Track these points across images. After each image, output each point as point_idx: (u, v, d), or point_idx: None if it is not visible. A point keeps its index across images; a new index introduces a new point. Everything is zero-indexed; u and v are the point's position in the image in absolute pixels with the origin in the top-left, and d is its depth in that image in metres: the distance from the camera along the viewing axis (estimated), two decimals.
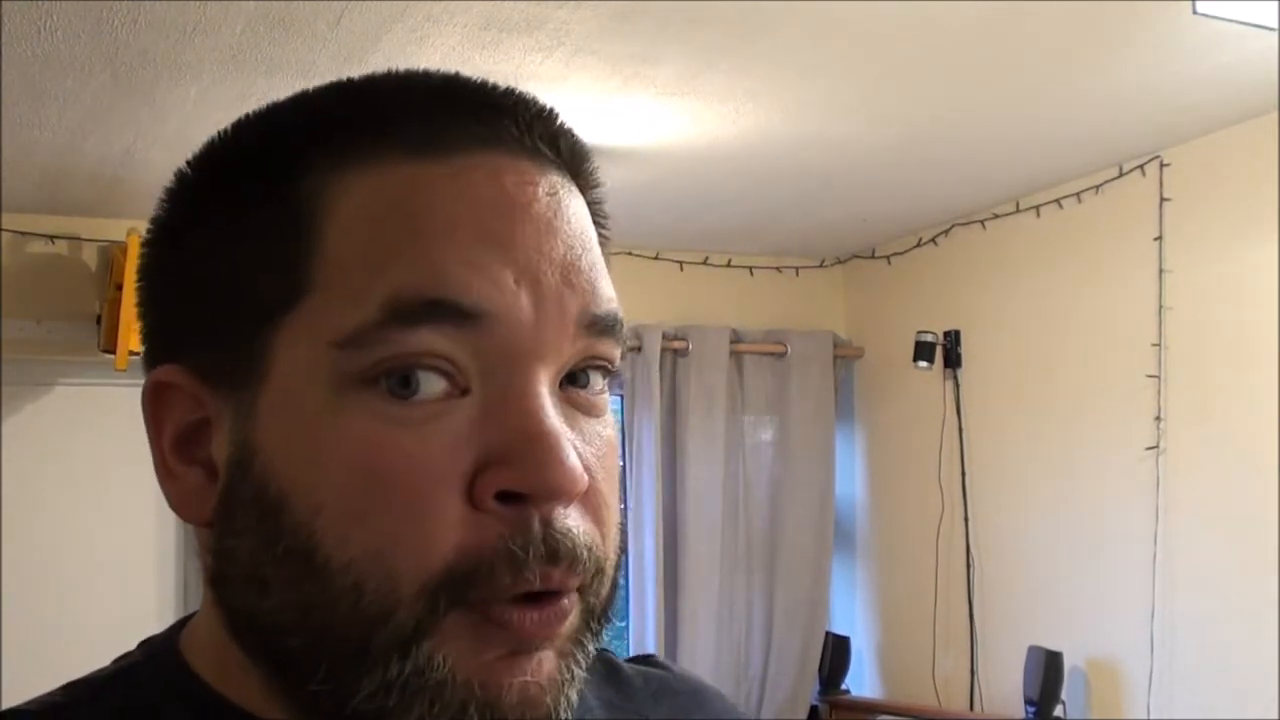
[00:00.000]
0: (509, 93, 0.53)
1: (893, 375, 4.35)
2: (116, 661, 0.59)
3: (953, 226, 4.07)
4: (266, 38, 2.45)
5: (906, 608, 4.30)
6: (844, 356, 4.53)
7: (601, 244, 0.54)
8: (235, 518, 0.50)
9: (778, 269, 4.50)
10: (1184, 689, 3.23)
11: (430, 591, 0.46)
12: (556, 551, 0.47)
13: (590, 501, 0.49)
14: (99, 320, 3.68)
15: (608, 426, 0.52)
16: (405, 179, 0.49)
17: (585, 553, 0.48)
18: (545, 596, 0.48)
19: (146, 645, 0.60)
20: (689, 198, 3.57)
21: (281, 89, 2.26)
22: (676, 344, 4.20)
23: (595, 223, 0.54)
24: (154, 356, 0.54)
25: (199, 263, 0.52)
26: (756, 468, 4.43)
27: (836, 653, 4.34)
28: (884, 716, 4.23)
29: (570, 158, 0.53)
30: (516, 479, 0.47)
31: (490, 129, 0.51)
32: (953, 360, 4.05)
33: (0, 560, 3.71)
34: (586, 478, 0.48)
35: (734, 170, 3.38)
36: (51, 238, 3.72)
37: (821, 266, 4.60)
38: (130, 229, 3.62)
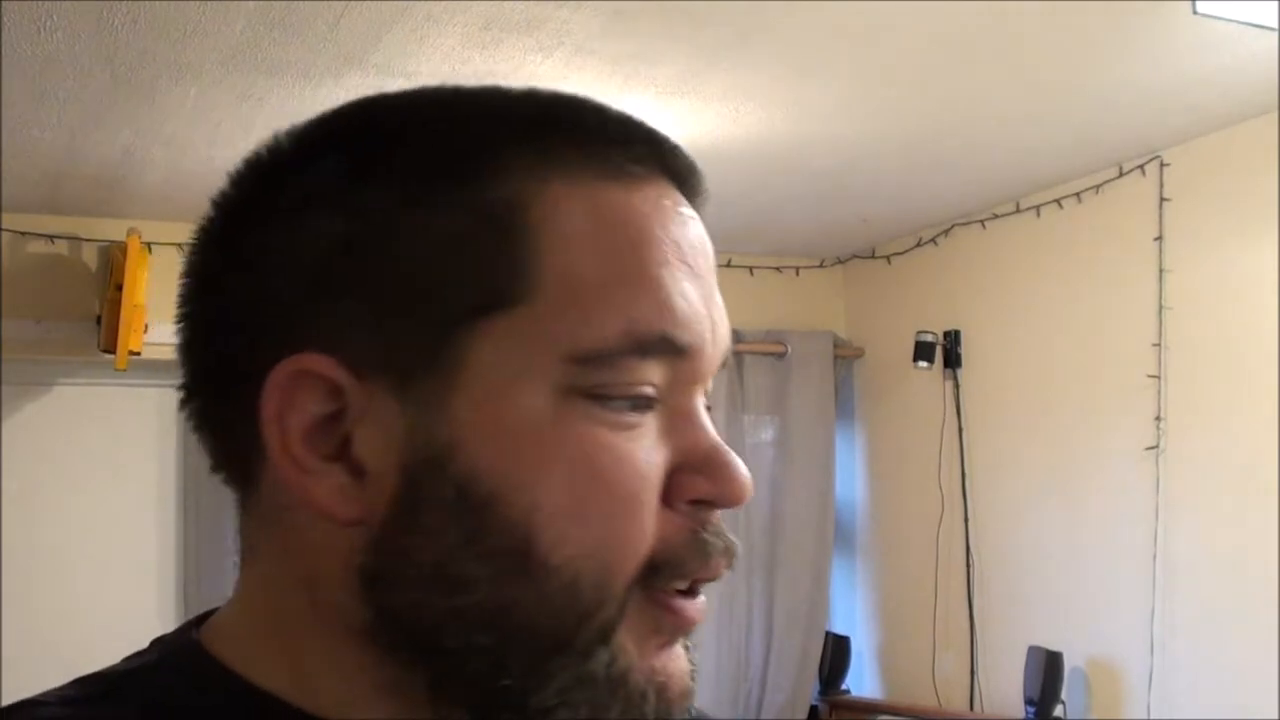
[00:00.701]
0: (660, 131, 0.56)
1: (893, 375, 4.35)
2: (130, 660, 0.57)
3: (953, 226, 4.07)
4: (266, 38, 2.45)
5: (906, 608, 4.30)
6: (844, 356, 4.53)
7: None
8: (422, 516, 0.49)
9: (778, 269, 4.50)
10: (1184, 689, 3.23)
11: (634, 583, 0.50)
12: (728, 545, 0.53)
13: None
14: (99, 320, 3.69)
15: None
16: (619, 204, 0.51)
17: (736, 549, 0.54)
18: (694, 590, 0.53)
19: (161, 644, 0.58)
20: None
21: (281, 89, 2.27)
22: None
23: None
24: (269, 341, 0.50)
25: (362, 252, 0.50)
26: (756, 468, 4.43)
27: (836, 653, 4.34)
28: (884, 716, 4.23)
29: (701, 190, 0.57)
30: (710, 489, 0.52)
31: (665, 159, 0.54)
32: (953, 360, 4.05)
33: (0, 560, 3.71)
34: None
35: (734, 170, 3.38)
36: (51, 238, 3.72)
37: (821, 266, 4.60)
38: (130, 229, 3.62)
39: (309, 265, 0.50)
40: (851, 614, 4.57)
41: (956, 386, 4.06)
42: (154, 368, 3.86)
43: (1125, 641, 3.40)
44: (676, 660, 0.53)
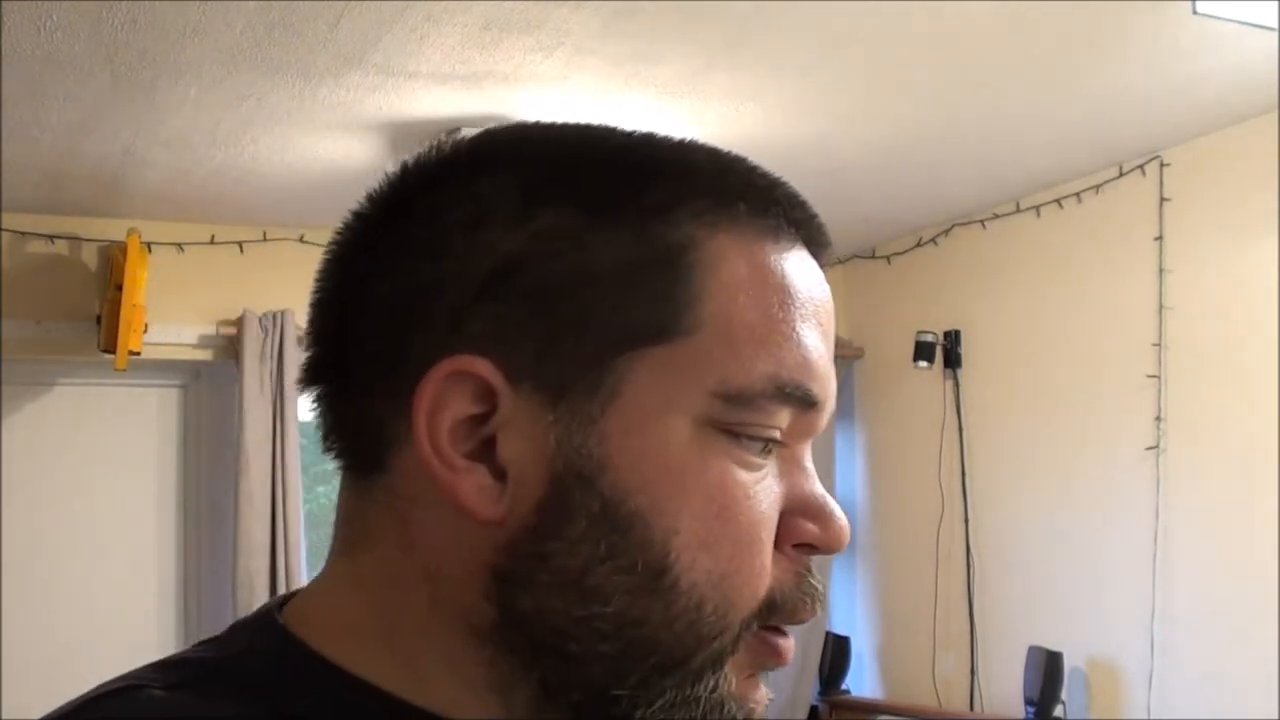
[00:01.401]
0: (799, 194, 0.60)
1: (893, 375, 4.35)
2: (224, 646, 0.57)
3: (953, 226, 4.07)
4: (266, 38, 2.45)
5: (906, 608, 4.30)
6: (844, 356, 4.53)
7: None
8: (566, 525, 0.51)
9: None
10: (1184, 689, 3.23)
11: (752, 617, 0.53)
12: (819, 591, 0.57)
13: None
14: (99, 320, 3.68)
15: None
16: (775, 261, 0.55)
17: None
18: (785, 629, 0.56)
19: (248, 632, 0.58)
20: None
21: (281, 89, 2.26)
22: None
23: None
24: (440, 343, 0.52)
25: (537, 268, 0.52)
26: None
27: (836, 653, 4.34)
28: (884, 716, 4.23)
29: (827, 252, 0.61)
30: (819, 537, 0.55)
31: (802, 222, 0.59)
32: (953, 360, 4.05)
33: (0, 560, 3.71)
34: None
35: None
36: (51, 238, 3.72)
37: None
38: (130, 229, 3.62)
39: (480, 274, 0.53)
40: (851, 614, 4.57)
41: (956, 386, 4.06)
42: (154, 368, 3.86)
43: (1125, 641, 3.40)
44: (759, 690, 0.56)
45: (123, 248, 3.59)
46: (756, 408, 0.53)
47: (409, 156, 0.57)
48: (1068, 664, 3.49)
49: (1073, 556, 3.61)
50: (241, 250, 3.80)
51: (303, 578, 3.77)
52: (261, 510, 3.76)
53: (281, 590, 3.73)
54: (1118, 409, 3.45)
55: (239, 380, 3.80)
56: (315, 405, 0.57)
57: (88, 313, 3.73)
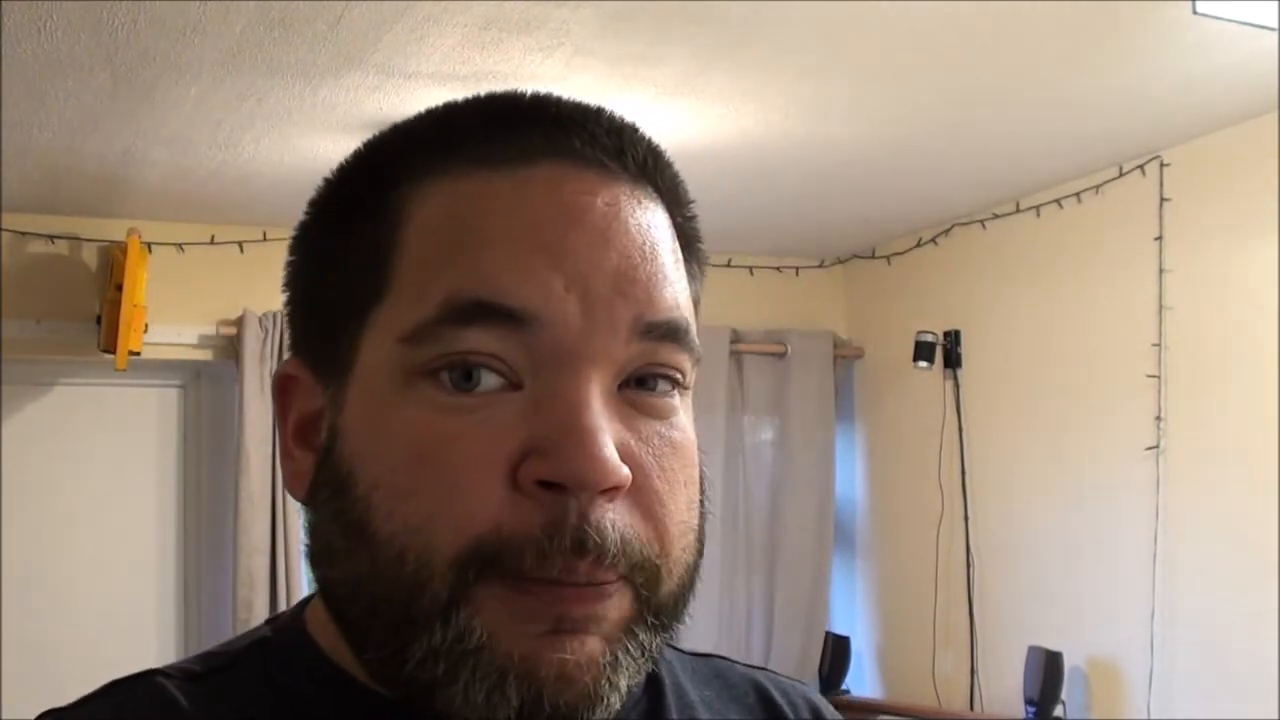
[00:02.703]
0: (582, 108, 0.56)
1: (893, 375, 4.35)
2: (245, 637, 0.63)
3: (953, 226, 4.07)
4: (266, 38, 2.45)
5: (906, 608, 4.30)
6: (844, 356, 4.53)
7: (694, 259, 0.59)
8: (319, 496, 0.55)
9: (778, 269, 4.50)
10: (1184, 689, 3.23)
11: (461, 563, 0.50)
12: (583, 544, 0.49)
13: (641, 499, 0.52)
14: (99, 320, 3.69)
15: (674, 429, 0.55)
16: (471, 189, 0.53)
17: (617, 546, 0.50)
18: (593, 580, 0.51)
19: (274, 622, 0.64)
20: None
21: (281, 89, 2.26)
22: None
23: (682, 237, 0.58)
24: (291, 351, 0.60)
25: (316, 266, 0.58)
26: (756, 468, 4.43)
27: (836, 653, 4.34)
28: (884, 716, 4.23)
29: (646, 171, 0.56)
30: (551, 469, 0.50)
31: (553, 142, 0.54)
32: (953, 360, 4.05)
33: (0, 559, 3.71)
34: (623, 472, 0.50)
35: (734, 170, 3.38)
36: (51, 238, 3.72)
37: (821, 266, 4.60)
38: (130, 229, 3.62)
39: (295, 285, 0.60)
40: (851, 614, 4.57)
41: (956, 386, 4.06)
42: (154, 368, 3.86)
43: (1125, 641, 3.40)
44: (561, 648, 0.50)
45: (123, 248, 3.59)
46: (436, 338, 0.51)
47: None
48: (1068, 664, 3.49)
49: (1073, 556, 3.61)
50: (241, 250, 3.80)
51: (303, 578, 3.77)
52: (261, 510, 3.76)
53: (281, 590, 3.74)
54: (1118, 409, 3.45)
55: (239, 380, 3.80)
56: None
57: (88, 313, 3.73)
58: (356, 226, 0.56)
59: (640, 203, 0.55)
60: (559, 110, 0.56)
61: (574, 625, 0.51)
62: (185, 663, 0.60)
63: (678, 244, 0.57)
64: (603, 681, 0.51)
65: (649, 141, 0.57)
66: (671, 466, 0.54)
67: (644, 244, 0.54)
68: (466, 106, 0.57)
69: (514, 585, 0.50)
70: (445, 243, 0.53)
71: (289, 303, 0.60)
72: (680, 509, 0.54)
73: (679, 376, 0.55)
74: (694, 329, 0.55)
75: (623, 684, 0.52)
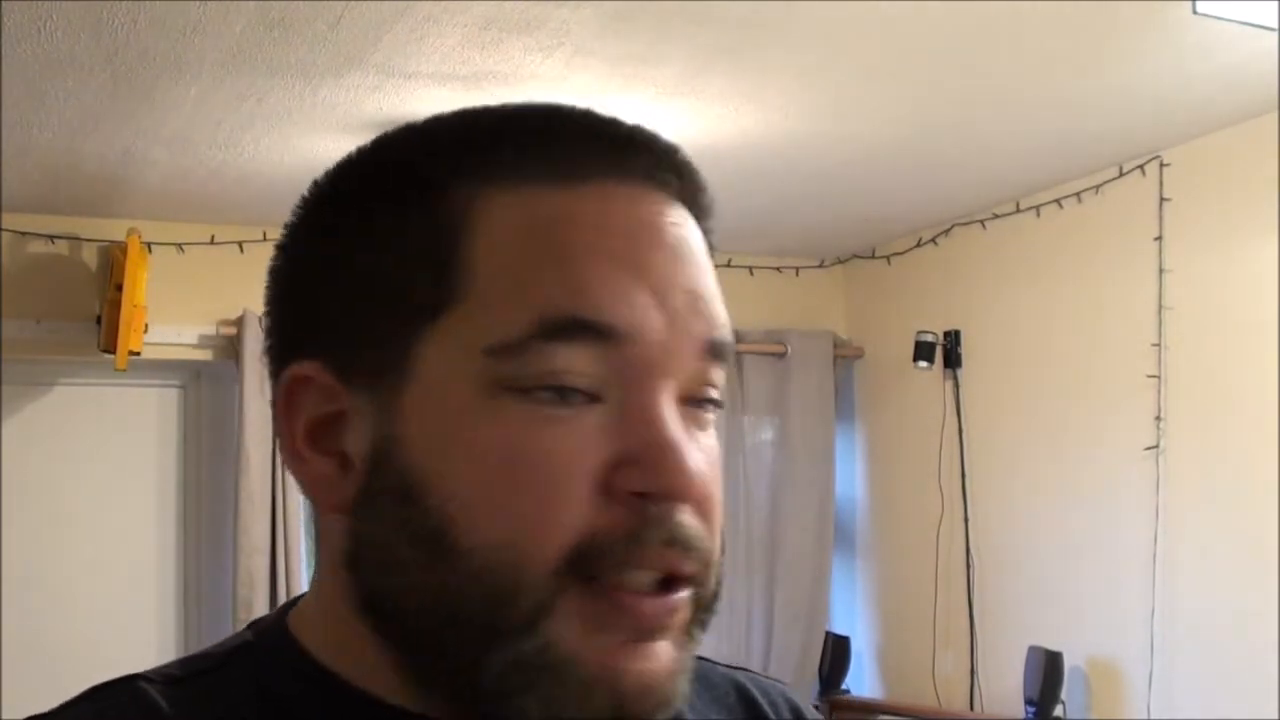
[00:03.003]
0: (639, 128, 0.57)
1: (893, 375, 4.35)
2: (227, 641, 0.61)
3: (953, 226, 4.07)
4: (266, 38, 2.45)
5: (906, 608, 4.30)
6: (844, 356, 4.53)
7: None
8: (376, 505, 0.54)
9: (778, 269, 4.50)
10: (1184, 689, 3.23)
11: (556, 572, 0.51)
12: (674, 537, 0.52)
13: (702, 505, 0.54)
14: (99, 320, 3.68)
15: (713, 440, 0.57)
16: (550, 203, 0.54)
17: (699, 543, 0.53)
18: (662, 587, 0.52)
19: (255, 626, 0.62)
20: None
21: (281, 89, 2.27)
22: None
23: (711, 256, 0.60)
24: (287, 352, 0.57)
25: (342, 266, 0.56)
26: (756, 468, 4.43)
27: (836, 653, 4.34)
28: (884, 716, 4.23)
29: (691, 191, 0.58)
30: (648, 480, 0.51)
31: (625, 161, 0.55)
32: (953, 360, 4.05)
33: (0, 560, 3.71)
34: (709, 484, 0.54)
35: (734, 170, 3.38)
36: (51, 238, 3.72)
37: (821, 266, 4.60)
38: (130, 229, 3.62)
39: (304, 284, 0.58)
40: (851, 614, 4.57)
41: (956, 386, 4.06)
42: (154, 368, 3.86)
43: (1125, 641, 3.40)
44: (641, 659, 0.52)
45: (123, 248, 3.59)
46: (531, 353, 0.51)
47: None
48: (1068, 664, 3.49)
49: (1073, 556, 3.61)
50: (241, 250, 3.80)
51: (302, 577, 3.77)
52: (261, 510, 3.76)
53: (281, 590, 3.74)
54: (1118, 409, 3.45)
55: (239, 380, 3.80)
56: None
57: (88, 313, 3.73)
58: (401, 228, 0.55)
59: (694, 222, 0.58)
60: (620, 128, 0.57)
61: (651, 634, 0.52)
62: (167, 667, 0.59)
63: None
64: (675, 686, 0.54)
65: (692, 162, 0.59)
66: (717, 476, 0.56)
67: (704, 263, 0.57)
68: (520, 114, 0.57)
69: (599, 593, 0.51)
70: (531, 258, 0.53)
71: (290, 303, 0.58)
72: (722, 515, 0.56)
73: (719, 392, 0.57)
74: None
75: (686, 686, 0.54)
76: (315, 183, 0.60)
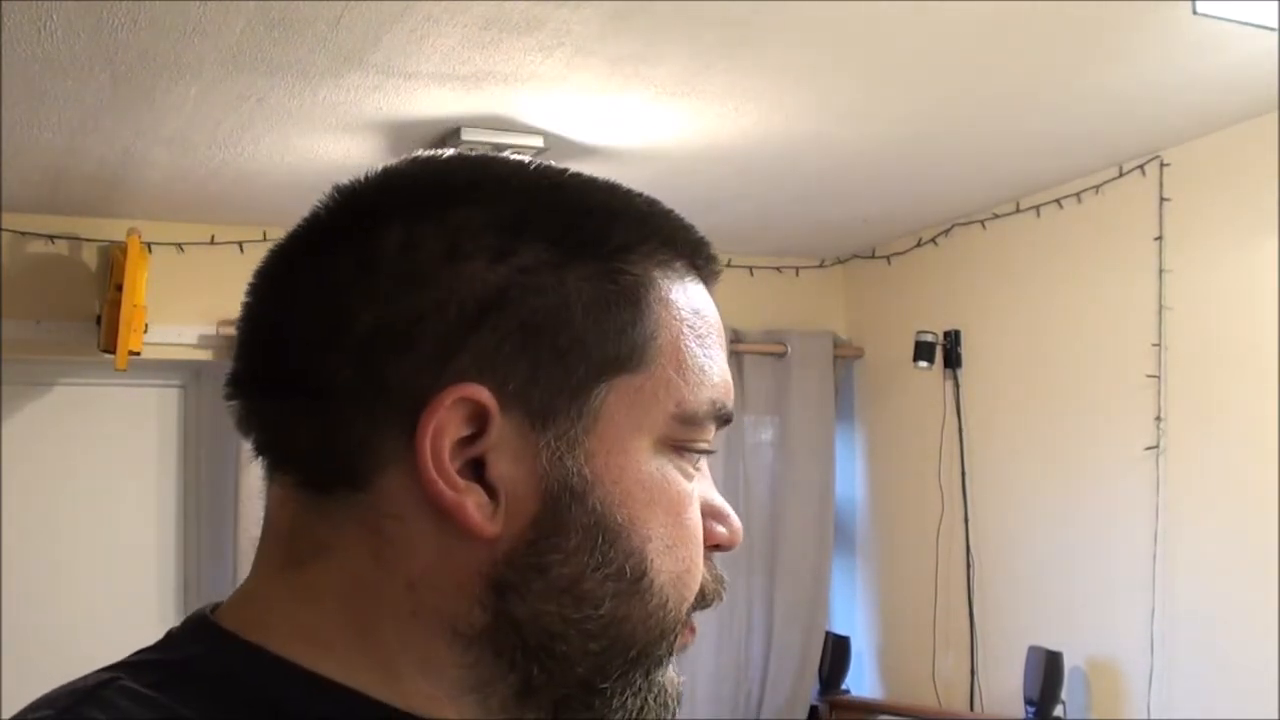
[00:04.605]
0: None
1: (893, 375, 4.35)
2: (153, 653, 0.59)
3: (953, 226, 4.07)
4: (266, 38, 2.45)
5: (906, 608, 4.30)
6: (844, 356, 4.53)
7: None
8: (564, 538, 0.57)
9: (778, 269, 4.50)
10: (1184, 689, 3.23)
11: (691, 609, 0.62)
12: (725, 591, 0.65)
13: None
14: (99, 320, 3.68)
15: None
16: (698, 296, 0.63)
17: None
18: None
19: (201, 639, 0.59)
20: (689, 198, 3.55)
21: (281, 89, 2.27)
22: None
23: None
24: (434, 370, 0.56)
25: (519, 301, 0.57)
26: (756, 468, 4.43)
27: (836, 653, 4.34)
28: (884, 716, 4.23)
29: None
30: (729, 538, 0.64)
31: (709, 262, 0.65)
32: (953, 360, 4.05)
33: (0, 560, 3.71)
34: None
35: (734, 170, 3.38)
36: (51, 238, 3.72)
37: (821, 266, 4.60)
38: (130, 229, 3.62)
39: (468, 306, 0.56)
40: (851, 614, 4.57)
41: (956, 386, 4.06)
42: (154, 368, 3.86)
43: (1125, 641, 3.40)
44: (675, 671, 0.63)
45: (123, 248, 3.59)
46: (700, 427, 0.61)
47: (349, 180, 0.61)
48: (1068, 664, 3.49)
49: (1073, 556, 3.61)
50: (241, 250, 3.80)
51: None
52: (261, 510, 3.75)
53: None
54: (1118, 409, 3.45)
55: None
56: (251, 415, 0.59)
57: (88, 313, 3.73)
58: (584, 281, 0.58)
59: None
60: (695, 230, 0.65)
61: (680, 651, 0.63)
62: (128, 675, 0.56)
63: None
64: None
65: None
66: None
67: (722, 318, 0.67)
68: (655, 203, 0.64)
69: (687, 624, 0.62)
70: (699, 343, 0.62)
71: (442, 316, 0.56)
72: None
73: None
74: None
75: None
76: (395, 179, 0.61)
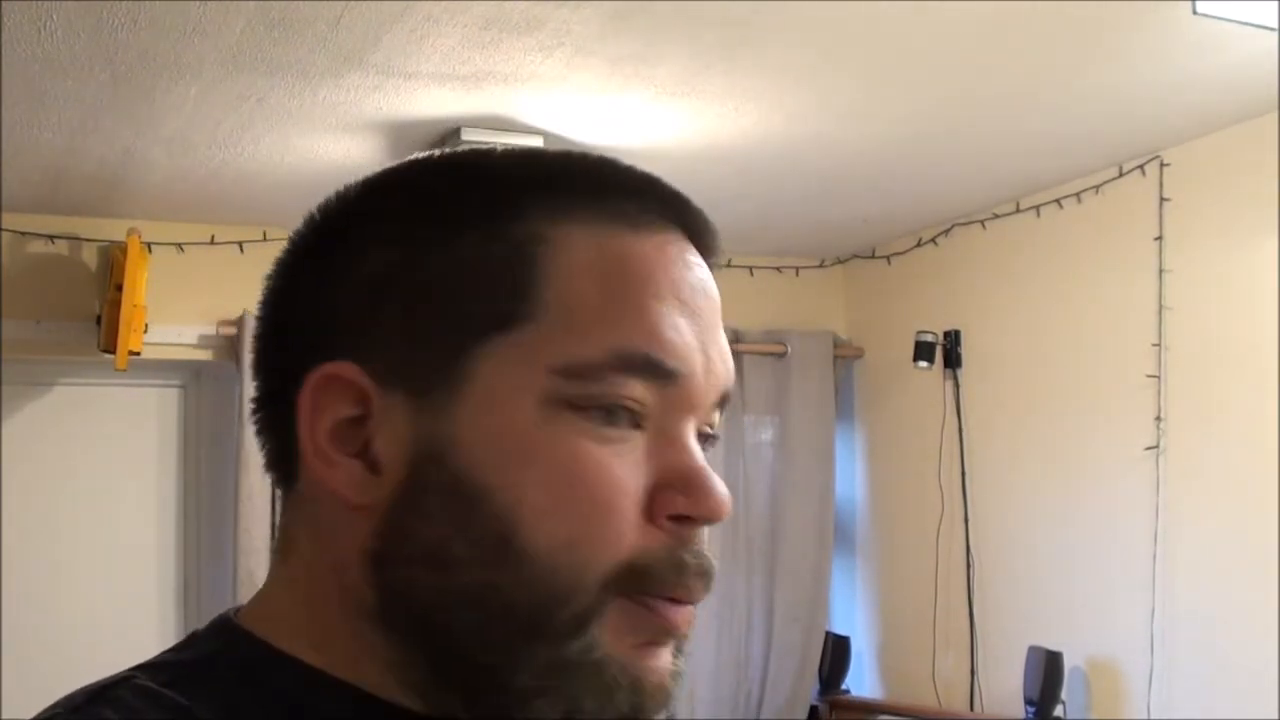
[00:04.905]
0: (678, 190, 0.63)
1: (893, 375, 4.35)
2: (178, 653, 0.60)
3: (953, 226, 4.07)
4: (266, 38, 2.45)
5: (906, 608, 4.30)
6: (844, 356, 4.53)
7: None
8: (421, 501, 0.56)
9: (778, 269, 4.50)
10: (1184, 689, 3.23)
11: (609, 581, 0.55)
12: (705, 570, 0.58)
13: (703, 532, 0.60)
14: (99, 320, 3.68)
15: None
16: (623, 244, 0.58)
17: (715, 572, 0.59)
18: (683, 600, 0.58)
19: (205, 636, 0.61)
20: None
21: (281, 89, 2.27)
22: None
23: None
24: (310, 351, 0.58)
25: (399, 273, 0.58)
26: (756, 468, 4.43)
27: (836, 653, 4.34)
28: (884, 716, 4.23)
29: (717, 251, 0.64)
30: (689, 505, 0.57)
31: (676, 212, 0.61)
32: (953, 360, 4.05)
33: (0, 560, 3.71)
34: (731, 507, 0.59)
35: (734, 170, 3.38)
36: (51, 238, 3.72)
37: (821, 266, 4.60)
38: (130, 229, 3.62)
39: (358, 288, 0.59)
40: (851, 614, 4.57)
41: (956, 386, 4.06)
42: (154, 368, 3.86)
43: (1125, 641, 3.40)
44: (657, 659, 0.57)
45: (123, 248, 3.59)
46: (598, 379, 0.55)
47: (319, 203, 0.63)
48: (1068, 664, 3.49)
49: (1073, 556, 3.61)
50: (241, 250, 3.80)
51: None
52: (261, 510, 3.76)
53: None
54: (1118, 409, 3.45)
55: (239, 380, 3.80)
56: (255, 429, 0.63)
57: (88, 313, 3.73)
58: (470, 248, 0.58)
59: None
60: (666, 186, 0.62)
61: (668, 638, 0.57)
62: (143, 674, 0.57)
63: None
64: (677, 687, 0.58)
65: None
66: None
67: (722, 317, 0.62)
68: (591, 162, 0.62)
69: (640, 602, 0.56)
70: (605, 291, 0.57)
71: (317, 303, 0.60)
72: None
73: (715, 430, 0.62)
74: None
75: (680, 691, 0.59)
76: (350, 188, 0.62)
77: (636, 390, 0.56)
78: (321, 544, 0.59)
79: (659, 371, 0.57)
